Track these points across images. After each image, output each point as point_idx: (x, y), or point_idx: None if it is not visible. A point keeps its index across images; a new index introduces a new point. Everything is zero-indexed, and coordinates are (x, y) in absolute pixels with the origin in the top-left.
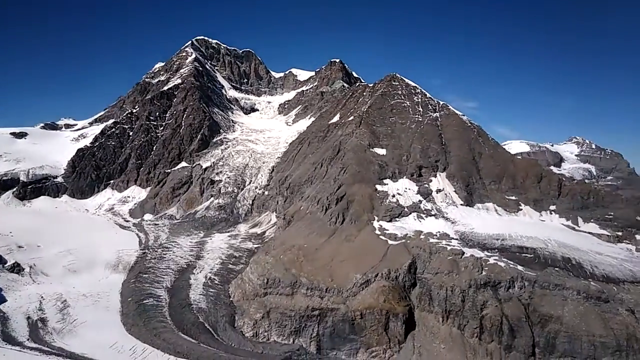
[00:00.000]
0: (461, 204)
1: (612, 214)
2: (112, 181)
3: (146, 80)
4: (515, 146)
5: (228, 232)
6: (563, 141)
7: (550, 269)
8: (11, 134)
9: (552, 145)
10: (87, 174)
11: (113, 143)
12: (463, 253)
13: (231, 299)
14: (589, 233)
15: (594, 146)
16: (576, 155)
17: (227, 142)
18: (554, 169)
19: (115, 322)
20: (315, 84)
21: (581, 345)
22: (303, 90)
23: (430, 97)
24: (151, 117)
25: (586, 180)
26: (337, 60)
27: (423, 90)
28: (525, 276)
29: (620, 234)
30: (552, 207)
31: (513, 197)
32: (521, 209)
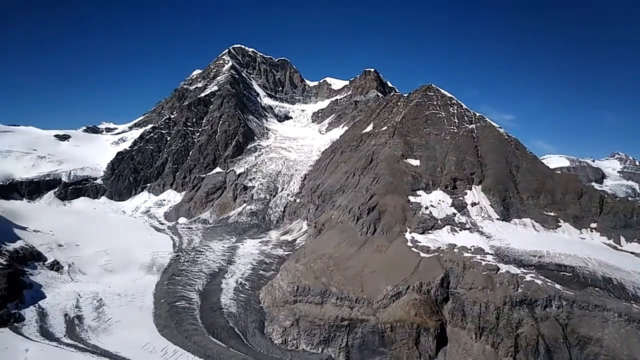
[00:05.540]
0: (497, 219)
1: None
2: (149, 184)
3: (184, 86)
4: (555, 161)
5: (259, 238)
6: (605, 157)
7: (590, 288)
8: (55, 136)
9: (594, 161)
10: (125, 177)
11: (151, 147)
12: (498, 269)
13: (261, 305)
14: (632, 253)
15: (637, 163)
16: (619, 171)
17: (260, 149)
18: (596, 186)
19: (148, 322)
20: (349, 93)
21: None
22: (337, 99)
23: (466, 109)
24: (188, 123)
25: (629, 198)
26: (372, 70)
27: (459, 101)
28: (564, 295)
29: None
30: (593, 225)
31: (552, 213)
32: (560, 226)
